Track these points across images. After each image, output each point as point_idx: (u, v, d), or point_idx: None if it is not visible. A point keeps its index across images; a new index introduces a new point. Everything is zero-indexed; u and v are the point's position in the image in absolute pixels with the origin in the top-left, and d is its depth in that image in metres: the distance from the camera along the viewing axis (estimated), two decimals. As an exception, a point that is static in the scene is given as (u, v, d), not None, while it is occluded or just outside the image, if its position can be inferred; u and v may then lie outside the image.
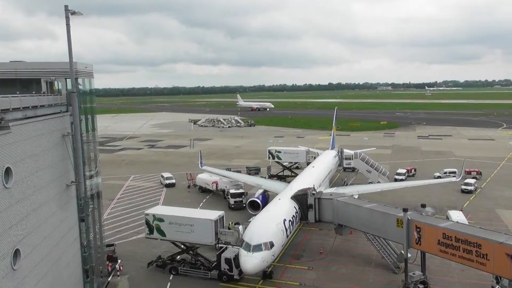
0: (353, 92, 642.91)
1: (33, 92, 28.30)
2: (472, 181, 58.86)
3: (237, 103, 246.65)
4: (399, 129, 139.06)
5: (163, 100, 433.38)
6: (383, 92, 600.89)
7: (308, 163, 62.67)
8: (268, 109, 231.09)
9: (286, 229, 35.04)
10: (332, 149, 68.30)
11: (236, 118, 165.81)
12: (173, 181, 65.63)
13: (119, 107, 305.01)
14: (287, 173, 67.24)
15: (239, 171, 68.42)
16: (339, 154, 63.30)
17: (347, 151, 63.57)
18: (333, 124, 75.71)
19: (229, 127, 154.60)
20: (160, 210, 36.72)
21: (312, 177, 48.75)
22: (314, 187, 42.54)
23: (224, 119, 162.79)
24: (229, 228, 34.35)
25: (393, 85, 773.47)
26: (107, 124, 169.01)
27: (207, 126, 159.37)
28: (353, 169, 66.32)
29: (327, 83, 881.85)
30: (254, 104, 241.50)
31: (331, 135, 74.64)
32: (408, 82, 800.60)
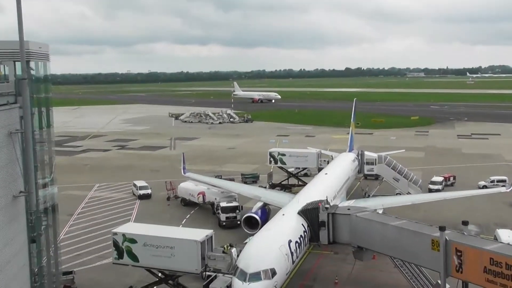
0: (377, 80, 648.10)
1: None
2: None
3: (234, 92, 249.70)
4: (434, 126, 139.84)
5: (137, 89, 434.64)
6: (414, 79, 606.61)
7: (319, 169, 62.74)
8: (273, 101, 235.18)
9: (291, 253, 34.54)
10: (350, 151, 68.46)
11: (229, 111, 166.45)
12: (149, 191, 65.67)
13: (81, 97, 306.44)
14: (293, 182, 67.64)
15: (232, 179, 68.68)
16: (359, 157, 63.40)
17: (369, 154, 63.71)
18: (351, 120, 75.89)
19: (220, 123, 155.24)
20: (132, 228, 36.40)
21: (325, 186, 48.85)
22: (327, 200, 42.57)
23: (214, 113, 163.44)
24: (223, 252, 33.43)
25: (427, 71, 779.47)
26: (66, 119, 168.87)
27: (192, 121, 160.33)
28: (377, 177, 66.55)
29: (343, 68, 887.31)
30: (256, 94, 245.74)
31: (348, 133, 74.89)
32: (445, 68, 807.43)
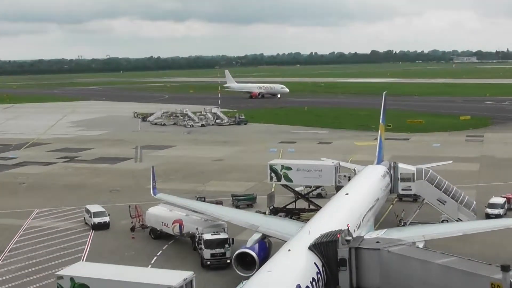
0: (413, 66, 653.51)
1: None
2: None
3: (225, 85, 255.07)
4: (492, 128, 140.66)
5: (92, 80, 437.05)
6: (463, 66, 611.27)
7: (338, 188, 62.61)
8: (279, 96, 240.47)
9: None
10: (378, 163, 68.54)
11: (214, 110, 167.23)
12: (106, 219, 65.39)
13: (16, 92, 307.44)
14: (301, 205, 67.63)
15: (219, 202, 68.59)
16: (391, 172, 63.36)
17: (405, 167, 63.64)
18: (380, 121, 76.04)
19: (202, 125, 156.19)
20: (83, 269, 36.61)
21: (346, 211, 48.81)
22: (348, 230, 42.45)
23: (195, 113, 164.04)
24: None
25: (480, 55, 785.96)
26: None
27: (165, 124, 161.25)
28: (415, 198, 66.54)
29: (368, 51, 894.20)
30: (255, 87, 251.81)
31: (376, 139, 74.97)
32: (504, 50, 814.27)
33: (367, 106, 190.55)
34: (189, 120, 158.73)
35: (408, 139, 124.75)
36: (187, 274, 34.60)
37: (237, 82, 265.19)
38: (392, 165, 63.86)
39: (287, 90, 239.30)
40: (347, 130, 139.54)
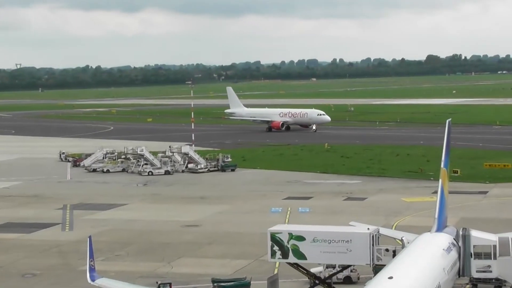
0: (494, 79, 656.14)
1: None
2: None
3: (228, 110, 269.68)
4: None
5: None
6: None
7: (376, 269, 62.45)
8: (314, 128, 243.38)
9: None
10: (440, 230, 68.22)
11: (185, 150, 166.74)
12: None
13: None
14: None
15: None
16: (460, 243, 63.30)
17: (482, 236, 63.72)
18: (442, 166, 75.81)
19: (167, 172, 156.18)
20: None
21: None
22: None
23: (156, 154, 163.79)
24: None
25: None
26: None
27: (109, 170, 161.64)
28: (499, 284, 65.92)
29: (423, 57, 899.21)
30: (277, 114, 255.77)
31: (436, 193, 74.86)
32: None
33: (421, 141, 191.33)
34: (146, 164, 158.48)
35: (487, 192, 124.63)
36: None
37: (248, 108, 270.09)
38: (461, 233, 63.74)
39: (328, 118, 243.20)
40: (390, 179, 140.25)
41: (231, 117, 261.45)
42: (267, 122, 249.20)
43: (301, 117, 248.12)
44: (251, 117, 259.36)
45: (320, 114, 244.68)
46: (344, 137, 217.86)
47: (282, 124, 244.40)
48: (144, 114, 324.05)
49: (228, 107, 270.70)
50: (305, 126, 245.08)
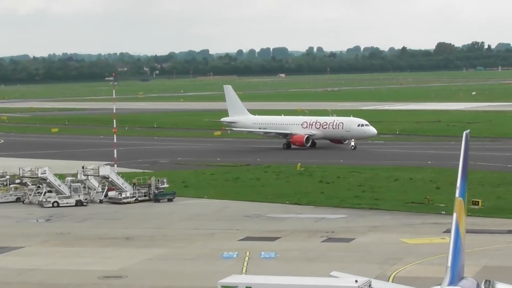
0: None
1: None
2: None
3: (226, 119, 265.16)
4: None
5: None
6: None
7: None
8: (353, 143, 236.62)
9: None
10: (453, 283, 68.64)
11: (104, 172, 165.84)
12: None
13: None
14: None
15: None
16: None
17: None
18: (457, 195, 76.26)
19: (80, 203, 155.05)
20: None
21: None
22: None
23: (64, 178, 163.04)
24: None
25: None
26: None
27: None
28: None
29: (432, 46, 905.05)
30: (299, 123, 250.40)
31: (449, 232, 75.25)
32: None
33: (429, 161, 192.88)
34: (50, 192, 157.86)
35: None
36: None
37: (249, 111, 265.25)
38: (484, 287, 64.56)
39: (373, 130, 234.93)
40: (387, 213, 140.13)
41: (234, 129, 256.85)
42: (286, 135, 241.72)
43: (334, 129, 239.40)
44: (260, 128, 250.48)
45: (362, 125, 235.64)
46: (323, 155, 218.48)
47: (307, 139, 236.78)
48: (48, 122, 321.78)
49: (226, 113, 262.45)
50: (339, 141, 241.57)
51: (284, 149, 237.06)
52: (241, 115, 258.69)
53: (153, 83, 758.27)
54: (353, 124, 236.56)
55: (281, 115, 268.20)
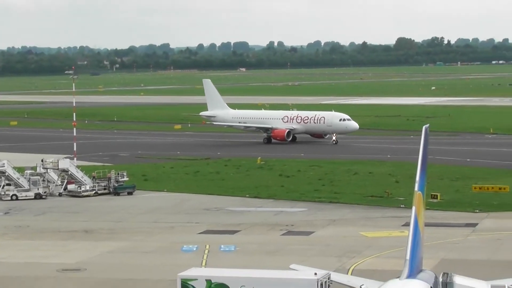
0: (487, 72, 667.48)
1: None
2: None
3: (205, 113, 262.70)
4: None
5: None
6: None
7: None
8: (334, 138, 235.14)
9: None
10: (412, 275, 68.72)
11: (64, 165, 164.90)
12: None
13: None
14: None
15: None
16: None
17: (468, 284, 64.98)
18: (416, 188, 76.40)
19: (38, 196, 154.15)
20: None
21: None
22: None
23: (22, 171, 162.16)
24: None
25: None
26: None
27: None
28: None
29: (392, 42, 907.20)
30: (279, 117, 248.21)
31: (408, 225, 75.39)
32: None
33: (388, 155, 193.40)
34: (8, 185, 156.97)
35: (476, 225, 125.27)
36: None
37: (229, 104, 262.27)
38: (441, 279, 65.06)
39: (355, 124, 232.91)
40: (346, 207, 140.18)
41: (214, 123, 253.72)
42: (266, 130, 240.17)
43: (315, 123, 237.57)
44: (240, 122, 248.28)
45: (344, 119, 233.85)
46: (283, 149, 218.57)
47: (289, 133, 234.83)
48: (6, 115, 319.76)
49: (204, 107, 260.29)
50: (319, 135, 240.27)
51: (264, 144, 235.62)
52: (221, 109, 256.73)
53: (113, 77, 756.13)
54: (334, 118, 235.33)
55: (261, 110, 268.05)
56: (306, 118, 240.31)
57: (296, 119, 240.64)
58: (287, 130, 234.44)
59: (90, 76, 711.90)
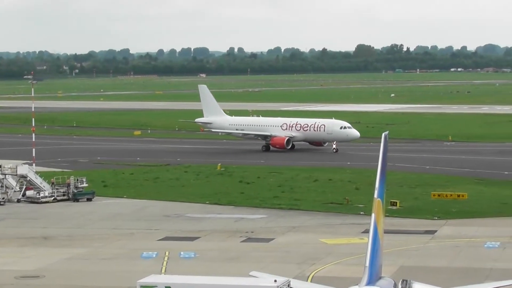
0: (447, 79, 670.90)
1: None
2: None
3: (200, 120, 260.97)
4: None
5: None
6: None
7: None
8: (334, 146, 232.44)
9: None
10: (371, 283, 68.82)
11: (23, 171, 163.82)
12: None
13: None
14: None
15: None
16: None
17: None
18: (376, 195, 76.67)
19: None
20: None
21: None
22: None
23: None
24: None
25: None
26: None
27: None
28: None
29: (352, 49, 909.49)
30: (278, 125, 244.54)
31: (367, 232, 75.73)
32: None
33: (348, 162, 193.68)
34: None
35: (435, 232, 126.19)
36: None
37: (226, 111, 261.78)
38: (400, 286, 65.40)
39: (356, 132, 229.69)
40: (306, 213, 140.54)
41: (212, 130, 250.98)
42: (265, 137, 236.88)
43: (315, 131, 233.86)
44: (238, 129, 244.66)
45: (345, 127, 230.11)
46: (243, 154, 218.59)
47: (288, 141, 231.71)
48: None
49: (200, 114, 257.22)
50: (319, 143, 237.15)
51: (267, 151, 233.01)
52: (217, 116, 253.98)
53: (72, 82, 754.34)
54: (335, 126, 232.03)
55: (259, 116, 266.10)
56: (306, 125, 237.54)
57: (295, 126, 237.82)
58: (287, 138, 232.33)
59: (51, 81, 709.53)
